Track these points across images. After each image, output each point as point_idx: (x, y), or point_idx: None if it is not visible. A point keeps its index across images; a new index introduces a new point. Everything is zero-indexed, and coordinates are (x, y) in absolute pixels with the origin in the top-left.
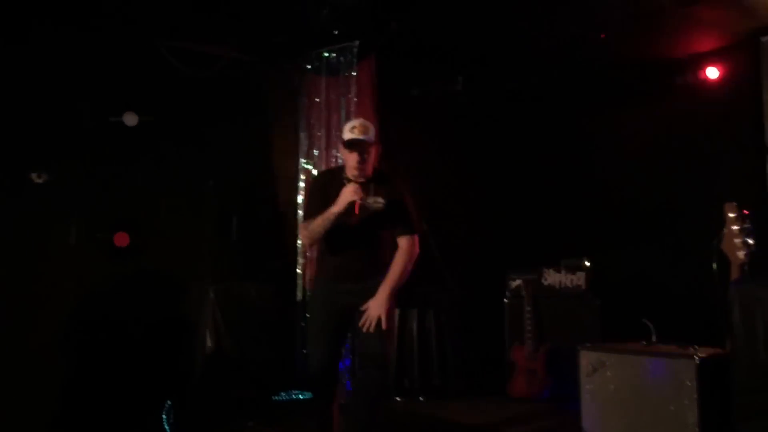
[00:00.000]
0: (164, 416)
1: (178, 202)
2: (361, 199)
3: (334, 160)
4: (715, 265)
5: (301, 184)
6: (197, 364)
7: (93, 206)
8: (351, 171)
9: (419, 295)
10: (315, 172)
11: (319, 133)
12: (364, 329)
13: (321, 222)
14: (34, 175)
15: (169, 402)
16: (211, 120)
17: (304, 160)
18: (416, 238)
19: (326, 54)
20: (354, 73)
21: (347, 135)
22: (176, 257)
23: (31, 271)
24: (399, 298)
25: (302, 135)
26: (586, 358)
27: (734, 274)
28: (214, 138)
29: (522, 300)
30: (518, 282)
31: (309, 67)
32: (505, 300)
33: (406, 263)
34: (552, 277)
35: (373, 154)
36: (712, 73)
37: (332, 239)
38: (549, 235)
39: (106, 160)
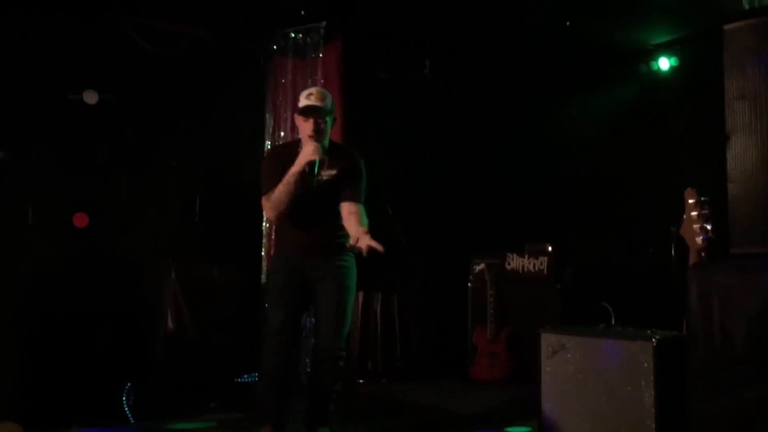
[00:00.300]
0: (125, 398)
1: (139, 182)
2: (321, 158)
3: None
4: (673, 251)
5: None
6: (159, 345)
7: (52, 186)
8: (306, 141)
9: (383, 278)
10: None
11: (285, 115)
12: (364, 248)
13: (283, 188)
14: None
15: (129, 384)
16: (174, 99)
17: (270, 142)
18: (358, 209)
19: (293, 34)
20: (321, 55)
21: (303, 102)
22: (137, 238)
23: None
24: (363, 280)
25: (268, 116)
26: (547, 341)
27: (692, 259)
28: (177, 117)
29: (485, 284)
30: (481, 266)
31: (275, 47)
32: (469, 284)
33: (361, 220)
34: (515, 262)
35: (329, 124)
36: (669, 62)
37: (291, 214)
38: (513, 220)
39: (66, 139)
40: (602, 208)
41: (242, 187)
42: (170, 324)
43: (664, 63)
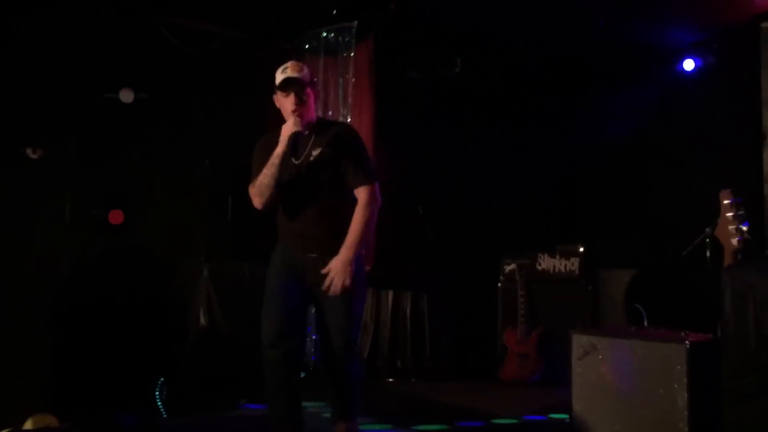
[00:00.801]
0: (157, 393)
1: (173, 180)
2: (301, 129)
3: None
4: (708, 252)
5: None
6: (190, 341)
7: (88, 183)
8: (289, 118)
9: (413, 277)
10: None
11: (316, 114)
12: (330, 292)
13: (266, 171)
14: (29, 150)
15: (161, 379)
16: (207, 98)
17: None
18: (376, 186)
19: (324, 34)
20: (352, 54)
21: (279, 77)
22: (171, 235)
23: (26, 247)
24: (393, 280)
25: None
26: (578, 342)
27: (727, 260)
28: (210, 116)
29: (515, 284)
30: (512, 266)
31: (307, 46)
32: (499, 284)
33: (366, 217)
34: (546, 262)
35: (312, 98)
36: (708, 60)
37: (284, 202)
38: (544, 220)
39: (102, 137)
40: (635, 209)
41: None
42: (202, 320)
43: (696, 62)
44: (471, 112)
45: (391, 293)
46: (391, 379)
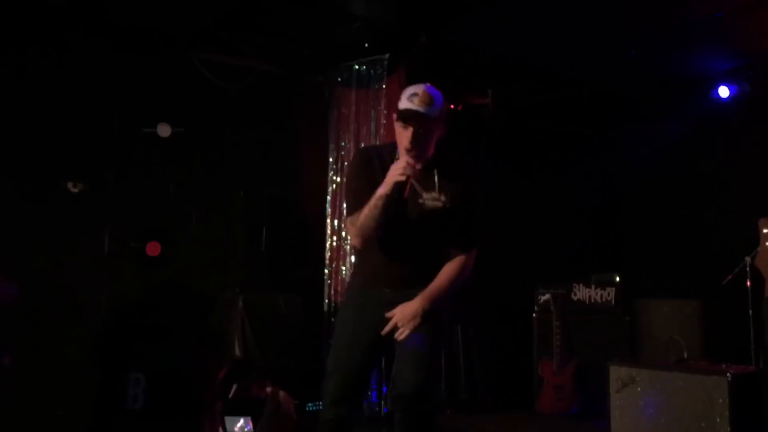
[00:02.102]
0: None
1: (208, 212)
2: (411, 177)
3: None
4: (749, 282)
5: (329, 197)
6: (226, 373)
7: (126, 216)
8: (402, 153)
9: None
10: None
11: (348, 145)
12: (396, 336)
13: (368, 212)
14: (70, 185)
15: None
16: (242, 132)
17: (332, 172)
18: (475, 253)
19: (356, 66)
20: (384, 86)
21: (403, 104)
22: (206, 267)
23: (66, 279)
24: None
25: (331, 147)
26: (616, 374)
27: None
28: (245, 149)
29: (551, 315)
30: (547, 296)
31: (339, 79)
32: (534, 314)
33: (456, 276)
34: (582, 292)
35: (435, 135)
36: (735, 89)
37: (381, 241)
38: (580, 249)
39: (140, 171)
40: (672, 238)
41: (306, 217)
42: (237, 351)
43: (729, 90)
44: (504, 143)
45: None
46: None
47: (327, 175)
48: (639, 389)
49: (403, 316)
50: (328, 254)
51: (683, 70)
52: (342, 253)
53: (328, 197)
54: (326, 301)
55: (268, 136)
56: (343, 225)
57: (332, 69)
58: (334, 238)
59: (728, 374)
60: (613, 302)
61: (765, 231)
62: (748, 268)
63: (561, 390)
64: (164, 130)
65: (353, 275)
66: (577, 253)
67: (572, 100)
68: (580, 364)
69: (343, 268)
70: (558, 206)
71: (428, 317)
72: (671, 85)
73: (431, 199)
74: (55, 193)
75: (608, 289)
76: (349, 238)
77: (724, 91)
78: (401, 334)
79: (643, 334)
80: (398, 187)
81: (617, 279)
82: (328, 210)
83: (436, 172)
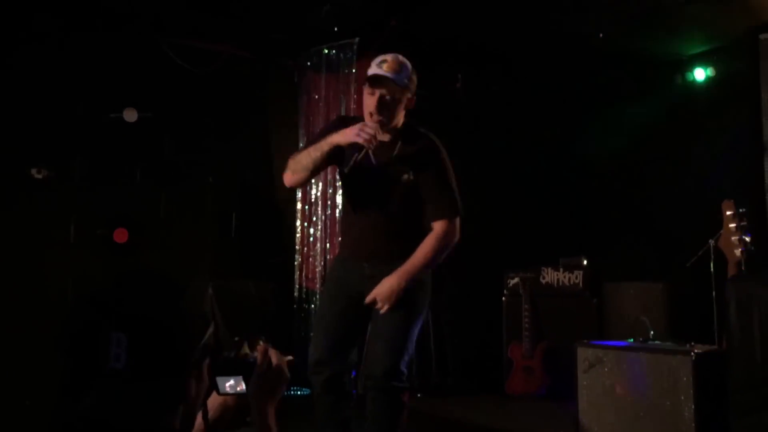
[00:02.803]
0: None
1: (177, 198)
2: (370, 145)
3: None
4: (712, 263)
5: None
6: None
7: (92, 202)
8: (367, 118)
9: None
10: None
11: (318, 131)
12: (381, 311)
13: (311, 151)
14: (34, 171)
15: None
16: (210, 117)
17: None
18: (457, 220)
19: (326, 51)
20: (354, 71)
21: (372, 70)
22: (175, 254)
23: (31, 267)
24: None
25: (301, 132)
26: (584, 354)
27: (731, 271)
28: (214, 135)
29: (520, 298)
30: (516, 280)
31: (309, 63)
32: (503, 298)
33: (436, 250)
34: (550, 276)
35: (402, 103)
36: (710, 72)
37: (354, 208)
38: (547, 233)
39: (106, 157)
40: (638, 221)
41: (277, 203)
42: (207, 338)
43: (700, 74)
44: (473, 127)
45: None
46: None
47: None
48: (606, 369)
49: (380, 293)
50: (298, 240)
51: (648, 53)
52: (313, 239)
53: None
54: (297, 286)
55: (237, 122)
56: (313, 210)
57: (302, 53)
58: (305, 224)
59: (692, 353)
60: (580, 285)
61: (728, 213)
62: (711, 251)
63: (530, 372)
64: (131, 115)
65: (339, 249)
66: (546, 237)
67: (541, 83)
68: (548, 347)
69: (314, 254)
70: (526, 190)
71: (404, 294)
72: (636, 68)
73: (399, 170)
74: (19, 179)
75: (576, 273)
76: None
77: (689, 76)
78: (382, 310)
79: (610, 316)
80: (352, 145)
81: (585, 262)
82: (299, 195)
83: (401, 143)
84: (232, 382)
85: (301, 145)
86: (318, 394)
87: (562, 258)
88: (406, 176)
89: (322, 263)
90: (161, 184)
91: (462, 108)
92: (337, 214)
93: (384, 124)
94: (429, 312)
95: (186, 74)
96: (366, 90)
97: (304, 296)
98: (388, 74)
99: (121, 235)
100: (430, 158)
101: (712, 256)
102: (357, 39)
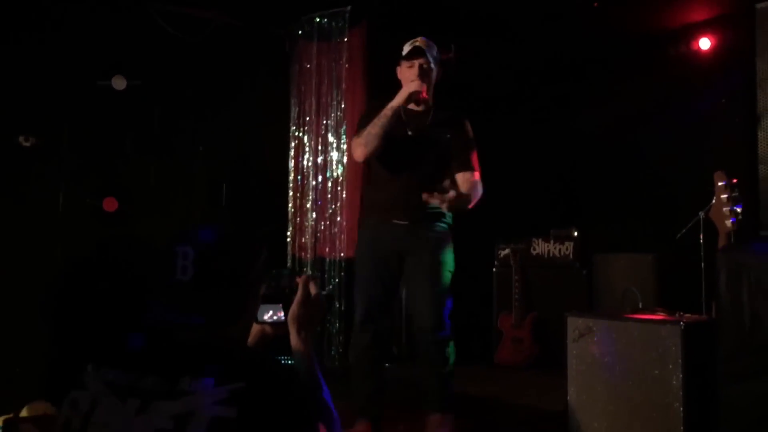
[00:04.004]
0: None
1: (167, 167)
2: (421, 90)
3: (324, 127)
4: (701, 234)
5: (291, 152)
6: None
7: (81, 170)
8: (411, 84)
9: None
10: (306, 138)
11: (310, 99)
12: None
13: (377, 121)
14: (21, 138)
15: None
16: (201, 84)
17: (294, 127)
18: (478, 178)
19: (318, 19)
20: (346, 39)
21: (407, 48)
22: (165, 223)
23: (19, 235)
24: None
25: (293, 101)
26: (574, 324)
27: (722, 242)
28: (204, 103)
29: (510, 269)
30: (507, 251)
31: (300, 32)
32: (494, 269)
33: (476, 194)
34: (541, 247)
35: (433, 74)
36: (705, 43)
37: (386, 171)
38: (538, 204)
39: (95, 125)
40: (629, 193)
41: (268, 173)
42: None
43: (694, 44)
44: (465, 97)
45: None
46: (387, 365)
47: (289, 129)
48: (595, 339)
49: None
50: (290, 210)
51: (642, 23)
52: (304, 209)
53: (291, 152)
54: (290, 256)
55: (228, 90)
56: (305, 181)
57: (293, 22)
58: (297, 193)
59: (681, 323)
60: (571, 256)
61: (720, 184)
62: (701, 222)
63: (519, 342)
64: (119, 83)
65: (365, 211)
66: (537, 209)
67: (535, 55)
68: (538, 317)
69: (307, 224)
70: (518, 162)
71: (438, 251)
72: (629, 38)
73: (434, 133)
74: (7, 147)
75: (566, 244)
76: (353, 150)
77: (676, 49)
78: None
79: (600, 286)
80: (410, 98)
81: (575, 234)
82: (291, 165)
83: (433, 111)
84: (270, 311)
85: (292, 114)
86: (363, 348)
87: (552, 229)
88: (441, 136)
89: (315, 233)
90: (151, 153)
91: (454, 78)
92: (329, 183)
93: (425, 93)
94: None
95: (176, 42)
96: (405, 64)
97: (297, 267)
98: (423, 46)
99: (110, 204)
100: (460, 123)
101: (702, 228)
102: (349, 7)
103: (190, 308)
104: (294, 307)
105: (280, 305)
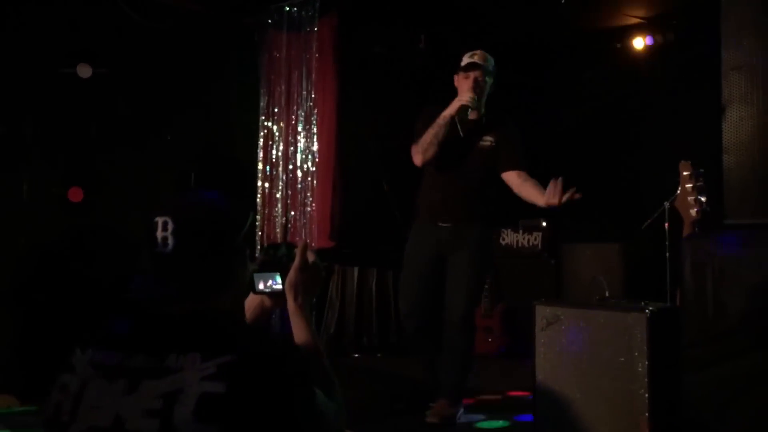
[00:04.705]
0: None
1: (134, 157)
2: (471, 100)
3: (294, 117)
4: (667, 224)
5: (261, 142)
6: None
7: (46, 160)
8: (464, 96)
9: (379, 254)
10: (275, 128)
11: (279, 89)
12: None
13: (432, 130)
14: None
15: None
16: (168, 73)
17: (264, 117)
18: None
19: (287, 8)
20: (316, 29)
21: (465, 60)
22: (132, 213)
23: None
24: (358, 257)
25: (262, 91)
26: (541, 313)
27: (686, 231)
28: (171, 91)
29: None
30: None
31: (270, 21)
32: None
33: (536, 186)
34: (510, 237)
35: (488, 85)
36: (670, 35)
37: (435, 171)
38: (508, 195)
39: (60, 113)
40: (597, 183)
41: (237, 162)
42: None
43: (655, 38)
44: (436, 89)
45: (356, 270)
46: (357, 355)
47: (258, 119)
48: (563, 327)
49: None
50: (259, 201)
51: (609, 16)
52: (273, 200)
53: (260, 142)
54: (258, 247)
55: (196, 79)
56: (274, 171)
57: (263, 10)
58: (266, 184)
59: (647, 311)
60: (539, 247)
61: (685, 174)
62: (666, 212)
63: (489, 332)
64: (85, 71)
65: (417, 213)
66: (506, 200)
67: (502, 48)
68: (507, 307)
69: (276, 214)
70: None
71: (478, 250)
72: (597, 33)
73: (482, 140)
74: None
75: (535, 234)
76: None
77: (648, 40)
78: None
79: (568, 276)
80: (461, 110)
81: (544, 224)
82: (260, 155)
83: (485, 119)
84: (269, 281)
85: (262, 104)
86: (409, 338)
87: (521, 220)
88: (489, 143)
89: (284, 223)
90: (117, 143)
91: (425, 69)
92: (299, 174)
93: (475, 101)
94: (390, 272)
95: (143, 30)
96: (461, 75)
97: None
98: (479, 61)
99: (76, 194)
100: (509, 127)
101: (667, 217)
102: None
103: (174, 281)
104: (291, 273)
105: (278, 273)
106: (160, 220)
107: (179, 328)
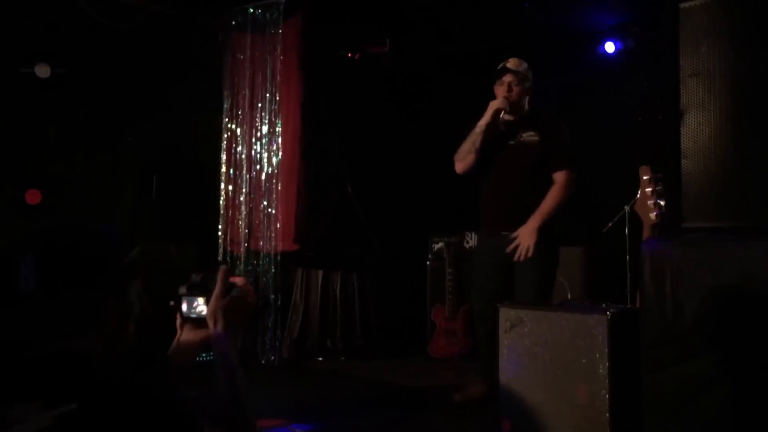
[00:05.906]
0: None
1: (94, 158)
2: (505, 106)
3: (257, 119)
4: (627, 228)
5: (224, 144)
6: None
7: (2, 161)
8: (496, 101)
9: (344, 256)
10: (239, 131)
11: (243, 91)
12: (515, 258)
13: (469, 139)
14: None
15: None
16: (130, 74)
17: (227, 119)
18: (572, 175)
19: (252, 10)
20: (280, 31)
21: (500, 66)
22: (91, 216)
23: None
24: (322, 260)
25: (225, 93)
26: (505, 315)
27: (646, 234)
28: (133, 93)
29: (444, 262)
30: (440, 244)
31: (234, 23)
32: (428, 262)
33: (562, 196)
34: (473, 240)
35: (523, 89)
36: (630, 42)
37: (487, 178)
38: (472, 199)
39: (18, 113)
40: None
41: (199, 165)
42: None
43: (616, 45)
44: (400, 92)
45: (320, 273)
46: (321, 358)
47: (221, 121)
48: (526, 329)
49: (522, 238)
50: (222, 203)
51: (572, 25)
52: (236, 202)
53: (223, 144)
54: (221, 250)
55: (158, 80)
56: (237, 174)
57: (227, 12)
58: (229, 187)
59: (608, 313)
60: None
61: (644, 178)
62: (627, 216)
63: (453, 334)
64: (43, 71)
65: (483, 222)
66: (470, 203)
67: (467, 52)
68: (471, 310)
69: (239, 217)
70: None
71: (544, 247)
72: (560, 39)
73: (528, 136)
74: None
75: None
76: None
77: (609, 47)
78: (521, 251)
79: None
80: (496, 114)
81: None
82: (223, 157)
83: (529, 118)
84: (193, 303)
85: (225, 106)
86: (482, 335)
87: None
88: (532, 140)
89: (247, 226)
90: (77, 144)
91: (389, 72)
92: (263, 176)
93: (511, 104)
94: (354, 275)
95: (104, 30)
96: (497, 83)
97: (228, 259)
98: (512, 66)
99: (33, 196)
100: (551, 124)
101: (627, 221)
102: None
103: (34, 322)
104: (211, 301)
105: (201, 297)
106: (22, 259)
107: (30, 375)
